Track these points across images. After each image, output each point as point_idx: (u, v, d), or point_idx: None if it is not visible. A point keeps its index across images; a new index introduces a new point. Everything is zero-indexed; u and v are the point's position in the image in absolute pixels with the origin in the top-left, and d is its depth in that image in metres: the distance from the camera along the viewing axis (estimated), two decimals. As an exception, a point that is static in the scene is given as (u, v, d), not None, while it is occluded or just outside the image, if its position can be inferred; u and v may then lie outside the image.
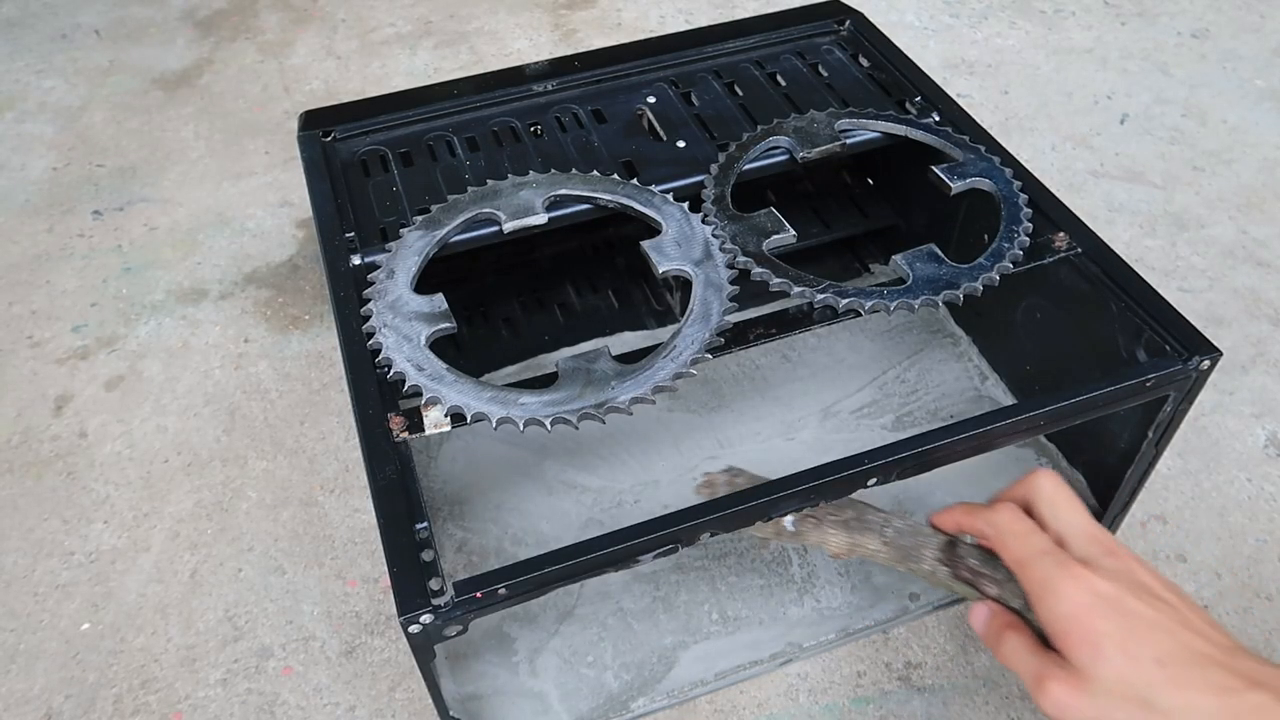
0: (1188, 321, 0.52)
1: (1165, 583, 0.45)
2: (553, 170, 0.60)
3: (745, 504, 0.46)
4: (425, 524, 0.44)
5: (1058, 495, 0.48)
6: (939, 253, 0.54)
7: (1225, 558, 0.63)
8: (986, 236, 0.56)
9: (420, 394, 0.47)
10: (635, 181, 0.59)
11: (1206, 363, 0.50)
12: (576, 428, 0.62)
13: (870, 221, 0.77)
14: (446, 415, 0.47)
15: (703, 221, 0.56)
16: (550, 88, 0.69)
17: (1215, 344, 0.51)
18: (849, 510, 0.52)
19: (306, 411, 0.74)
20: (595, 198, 0.58)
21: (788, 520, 0.51)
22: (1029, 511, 0.49)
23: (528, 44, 1.13)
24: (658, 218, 0.56)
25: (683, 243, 0.55)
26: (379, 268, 0.54)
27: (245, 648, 0.60)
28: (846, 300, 0.51)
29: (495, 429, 0.47)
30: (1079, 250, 0.56)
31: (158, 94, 1.07)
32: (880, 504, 0.56)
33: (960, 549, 0.51)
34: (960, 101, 0.66)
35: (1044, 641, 0.46)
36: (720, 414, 0.70)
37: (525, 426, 0.47)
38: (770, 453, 0.64)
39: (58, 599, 0.63)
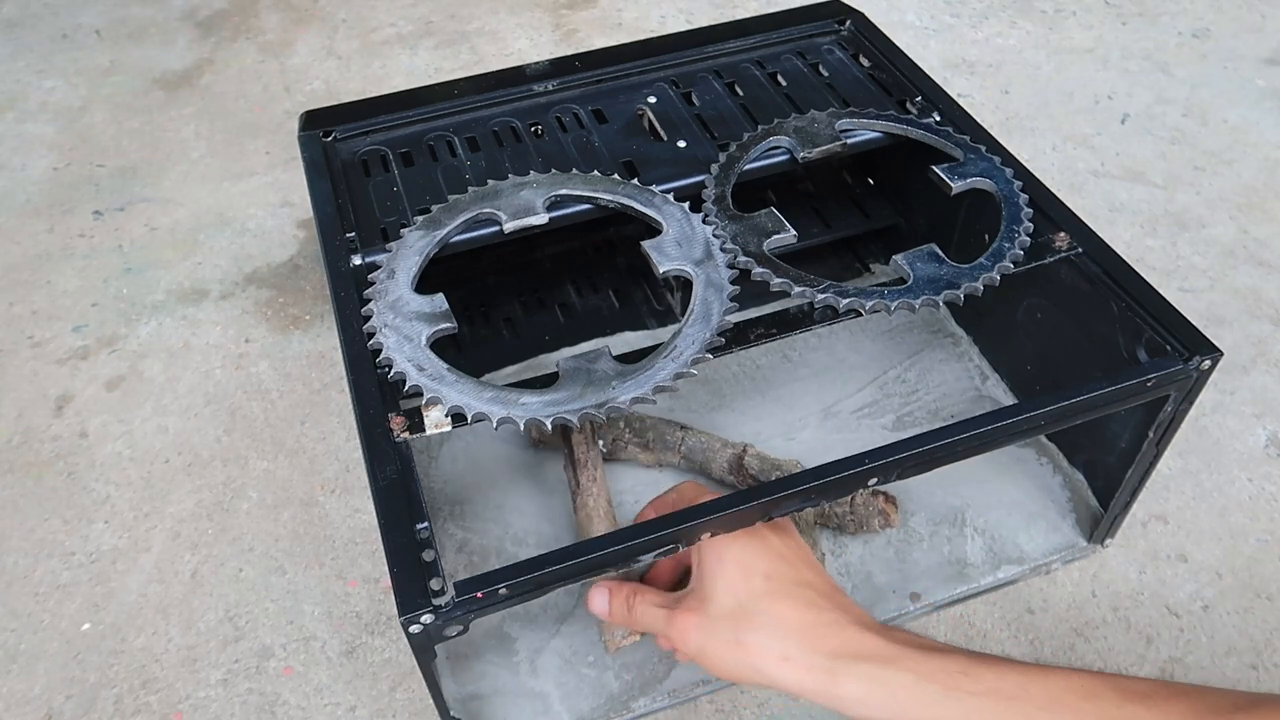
0: (1188, 321, 0.52)
1: (801, 544, 0.50)
2: (553, 170, 0.60)
3: (745, 504, 0.46)
4: (426, 524, 0.44)
5: (695, 489, 0.54)
6: (940, 252, 0.54)
7: (1226, 557, 0.63)
8: (987, 236, 0.56)
9: (421, 394, 0.47)
10: (636, 181, 0.59)
11: (1207, 363, 0.50)
12: (577, 428, 0.62)
13: (871, 221, 0.77)
14: (447, 415, 0.47)
15: (703, 221, 0.56)
16: (551, 88, 0.69)
17: (1216, 344, 0.51)
18: (650, 432, 0.64)
19: (307, 411, 0.74)
20: (596, 198, 0.58)
21: (600, 444, 0.63)
22: None
23: (528, 44, 1.13)
24: (658, 218, 0.56)
25: (683, 243, 0.55)
26: (380, 268, 0.54)
27: (246, 648, 0.60)
28: (847, 300, 0.51)
29: (496, 429, 0.47)
30: (1080, 250, 0.56)
31: (158, 94, 1.07)
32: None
33: (745, 459, 0.61)
34: (961, 101, 0.66)
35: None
36: (721, 414, 0.70)
37: (526, 426, 0.47)
38: (771, 452, 0.64)
39: (58, 599, 0.63)
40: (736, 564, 0.48)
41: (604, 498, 0.61)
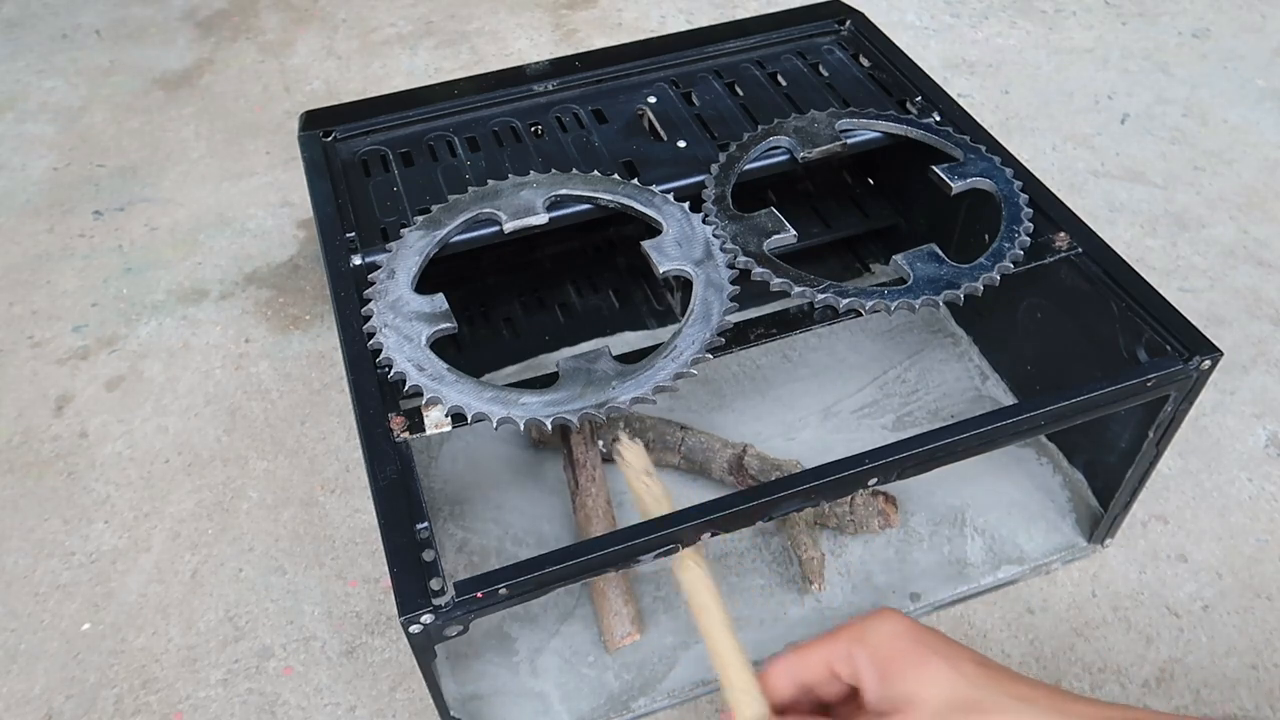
0: (1188, 321, 0.52)
1: None
2: (553, 170, 0.60)
3: (746, 504, 0.46)
4: (426, 524, 0.44)
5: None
6: (940, 252, 0.54)
7: (1226, 558, 0.63)
8: (987, 236, 0.56)
9: (421, 394, 0.47)
10: (636, 181, 0.59)
11: (1207, 362, 0.50)
12: (577, 428, 0.62)
13: (871, 221, 0.77)
14: (447, 415, 0.47)
15: (703, 221, 0.56)
16: (551, 88, 0.69)
17: (1216, 344, 0.51)
18: (649, 432, 0.64)
19: (307, 411, 0.74)
20: (596, 198, 0.58)
21: (600, 444, 0.63)
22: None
23: (528, 44, 1.13)
24: (658, 218, 0.56)
25: (683, 243, 0.55)
26: (380, 268, 0.54)
27: (246, 648, 0.60)
28: (847, 300, 0.51)
29: (496, 429, 0.47)
30: (1080, 250, 0.56)
31: (158, 94, 1.07)
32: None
33: (745, 460, 0.61)
34: (961, 101, 0.66)
35: None
36: (721, 414, 0.70)
37: (526, 426, 0.47)
38: (771, 453, 0.64)
39: (58, 599, 0.63)
40: (937, 654, 0.41)
41: (604, 498, 0.61)
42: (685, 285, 0.55)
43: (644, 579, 0.61)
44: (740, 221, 0.56)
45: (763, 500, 0.46)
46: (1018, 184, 0.58)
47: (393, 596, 0.42)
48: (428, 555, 0.43)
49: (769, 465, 0.62)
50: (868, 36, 0.72)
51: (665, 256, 0.54)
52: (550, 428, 0.46)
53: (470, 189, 0.59)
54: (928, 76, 0.68)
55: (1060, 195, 0.59)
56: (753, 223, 0.56)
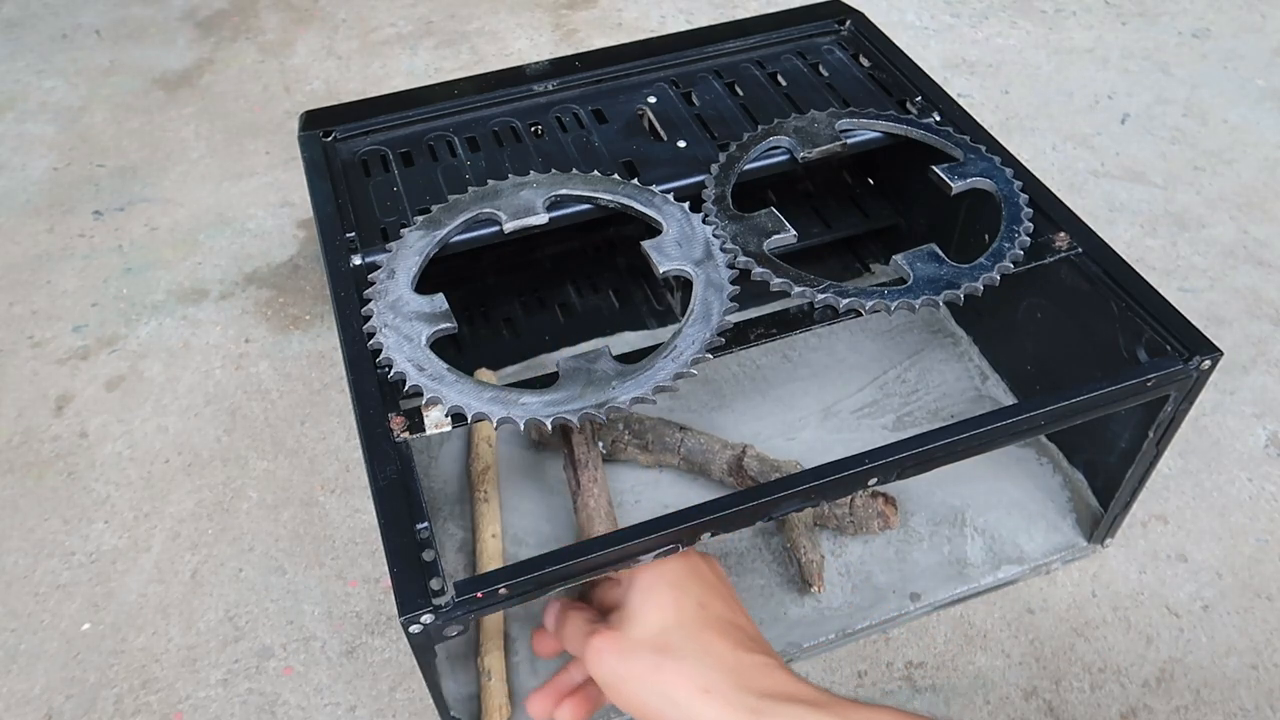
0: (1188, 321, 0.52)
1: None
2: (553, 170, 0.60)
3: (745, 504, 0.46)
4: (426, 524, 0.44)
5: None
6: (940, 252, 0.54)
7: (1226, 557, 0.63)
8: (987, 236, 0.56)
9: (421, 394, 0.47)
10: (636, 181, 0.59)
11: (1207, 362, 0.50)
12: (577, 428, 0.62)
13: (871, 221, 0.77)
14: (447, 415, 0.47)
15: (703, 221, 0.56)
16: (551, 88, 0.69)
17: (1216, 344, 0.51)
18: (649, 433, 0.64)
19: (307, 411, 0.74)
20: (596, 198, 0.58)
21: (600, 444, 0.64)
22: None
23: (528, 44, 1.13)
24: (658, 218, 0.56)
25: (683, 243, 0.55)
26: (380, 268, 0.54)
27: (246, 648, 0.60)
28: (847, 300, 0.51)
29: (496, 429, 0.47)
30: (1080, 250, 0.56)
31: (158, 94, 1.07)
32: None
33: (745, 460, 0.62)
34: (961, 101, 0.66)
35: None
36: (721, 414, 0.70)
37: (526, 426, 0.47)
38: (771, 453, 0.64)
39: (58, 599, 0.63)
40: (671, 587, 0.46)
41: (604, 498, 0.61)
42: (685, 285, 0.55)
43: (644, 579, 0.61)
44: (740, 221, 0.56)
45: (763, 500, 0.46)
46: (1018, 184, 0.58)
47: (393, 596, 0.42)
48: (428, 555, 0.43)
49: (768, 466, 0.62)
50: (868, 36, 0.72)
51: (665, 256, 0.54)
52: (550, 428, 0.46)
53: (470, 189, 0.59)
54: (928, 76, 0.68)
55: (1060, 195, 0.59)
56: (753, 223, 0.56)
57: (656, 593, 0.46)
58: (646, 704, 0.44)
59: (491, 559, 0.60)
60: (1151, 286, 0.54)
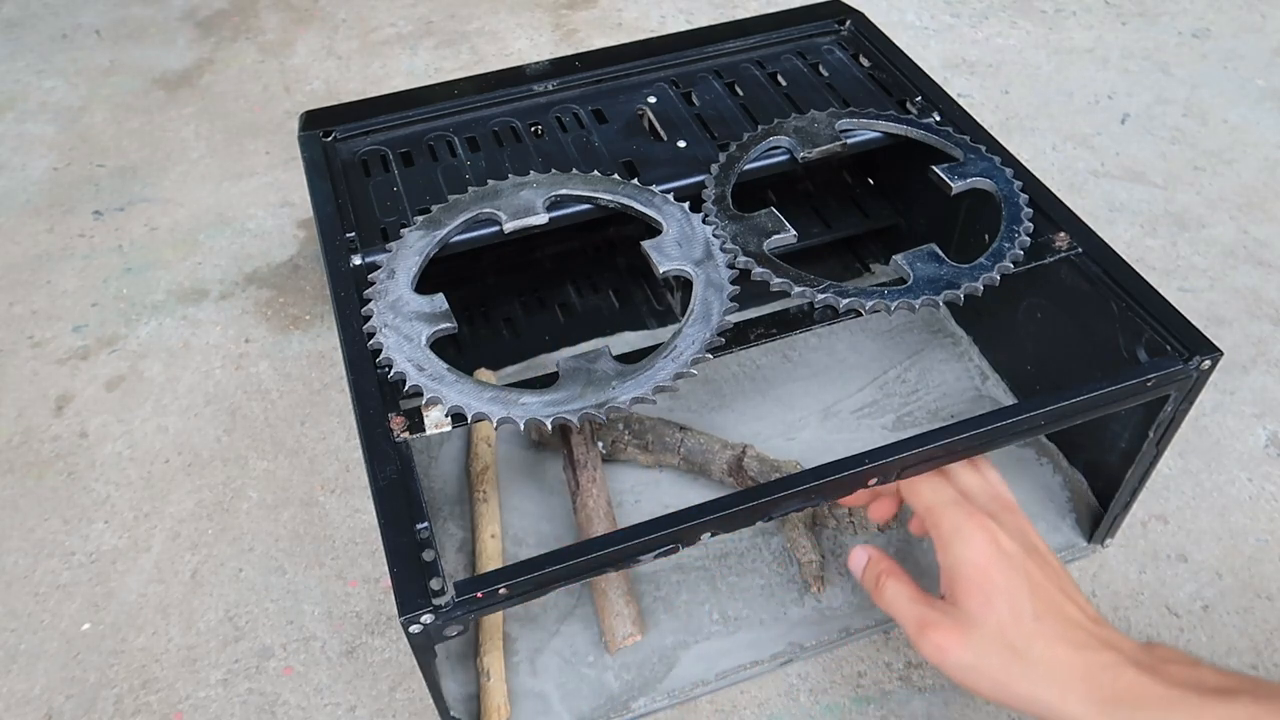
0: (1188, 321, 0.52)
1: (1048, 549, 0.50)
2: (553, 170, 0.60)
3: (745, 504, 0.46)
4: (426, 524, 0.44)
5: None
6: (940, 252, 0.54)
7: (1226, 557, 0.63)
8: (987, 236, 0.56)
9: (421, 394, 0.47)
10: (636, 181, 0.59)
11: (1207, 362, 0.50)
12: (577, 428, 0.62)
13: (871, 221, 0.77)
14: (447, 415, 0.47)
15: (703, 221, 0.56)
16: (551, 88, 0.69)
17: (1216, 344, 0.51)
18: (649, 433, 0.64)
19: (307, 411, 0.74)
20: (596, 198, 0.58)
21: (600, 445, 0.64)
22: None
23: (528, 44, 1.13)
24: (658, 218, 0.56)
25: (683, 243, 0.55)
26: (380, 268, 0.54)
27: (246, 648, 0.60)
28: (847, 300, 0.51)
29: (496, 429, 0.47)
30: (1080, 250, 0.56)
31: (158, 94, 1.07)
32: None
33: (745, 461, 0.61)
34: (961, 101, 0.66)
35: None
36: (721, 414, 0.70)
37: (526, 426, 0.47)
38: (771, 453, 0.64)
39: (58, 599, 0.63)
40: (1005, 600, 0.46)
41: (604, 498, 0.61)
42: (685, 285, 0.55)
43: (644, 579, 0.61)
44: (740, 221, 0.56)
45: (763, 500, 0.46)
46: (1018, 184, 0.58)
47: (393, 596, 0.42)
48: (428, 555, 0.43)
49: (768, 466, 0.62)
50: (868, 36, 0.72)
51: (665, 256, 0.54)
52: (550, 428, 0.46)
53: (470, 189, 0.59)
54: (928, 76, 0.68)
55: (1060, 195, 0.59)
56: (753, 223, 0.56)
57: (993, 605, 0.46)
58: (1007, 701, 0.46)
59: (491, 559, 0.60)
60: (1151, 286, 0.54)
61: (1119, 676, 0.44)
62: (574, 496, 0.62)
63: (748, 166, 0.61)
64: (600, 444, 0.65)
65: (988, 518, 0.49)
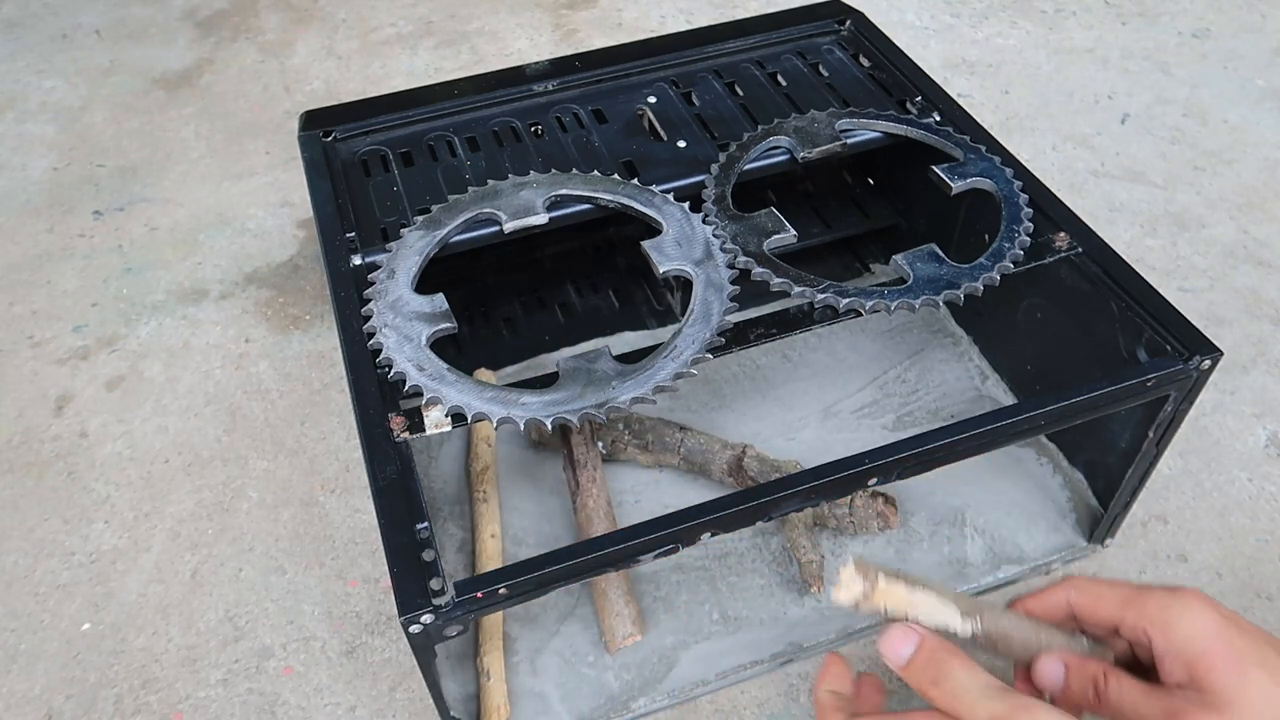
0: (1188, 321, 0.52)
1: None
2: (553, 170, 0.60)
3: (745, 504, 0.46)
4: (426, 524, 0.44)
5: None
6: (940, 252, 0.54)
7: (1226, 558, 0.63)
8: (987, 236, 0.56)
9: (421, 394, 0.47)
10: (636, 181, 0.59)
11: (1207, 362, 0.50)
12: (577, 428, 0.62)
13: (871, 221, 0.77)
14: (447, 415, 0.47)
15: (703, 221, 0.56)
16: (551, 88, 0.69)
17: (1216, 344, 0.51)
18: (649, 433, 0.64)
19: (307, 411, 0.74)
20: (596, 198, 0.58)
21: (600, 445, 0.63)
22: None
23: (528, 44, 1.13)
24: (658, 218, 0.56)
25: (683, 243, 0.55)
26: (380, 268, 0.54)
27: (246, 648, 0.60)
28: (847, 300, 0.51)
29: (496, 429, 0.47)
30: (1080, 250, 0.56)
31: (158, 94, 1.07)
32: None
33: (745, 461, 0.61)
34: (961, 101, 0.66)
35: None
36: (721, 414, 0.70)
37: (526, 426, 0.47)
38: (771, 453, 0.64)
39: (58, 599, 0.63)
40: (1257, 665, 0.41)
41: (604, 498, 0.61)
42: (685, 285, 0.55)
43: (644, 579, 0.61)
44: (740, 221, 0.56)
45: (763, 500, 0.46)
46: (1018, 184, 0.58)
47: (393, 596, 0.42)
48: (428, 555, 0.43)
49: (768, 466, 0.62)
50: (868, 36, 0.72)
51: (665, 256, 0.54)
52: (550, 428, 0.46)
53: (470, 189, 0.59)
54: (928, 76, 0.68)
55: (1060, 195, 0.59)
56: (753, 223, 0.56)
57: (1250, 675, 0.40)
58: None
59: (491, 559, 0.60)
60: (1151, 286, 0.54)
61: None
62: (574, 496, 0.62)
63: (748, 166, 0.61)
64: (600, 444, 0.65)
65: (1191, 591, 0.44)
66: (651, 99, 0.67)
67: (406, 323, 0.51)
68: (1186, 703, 0.41)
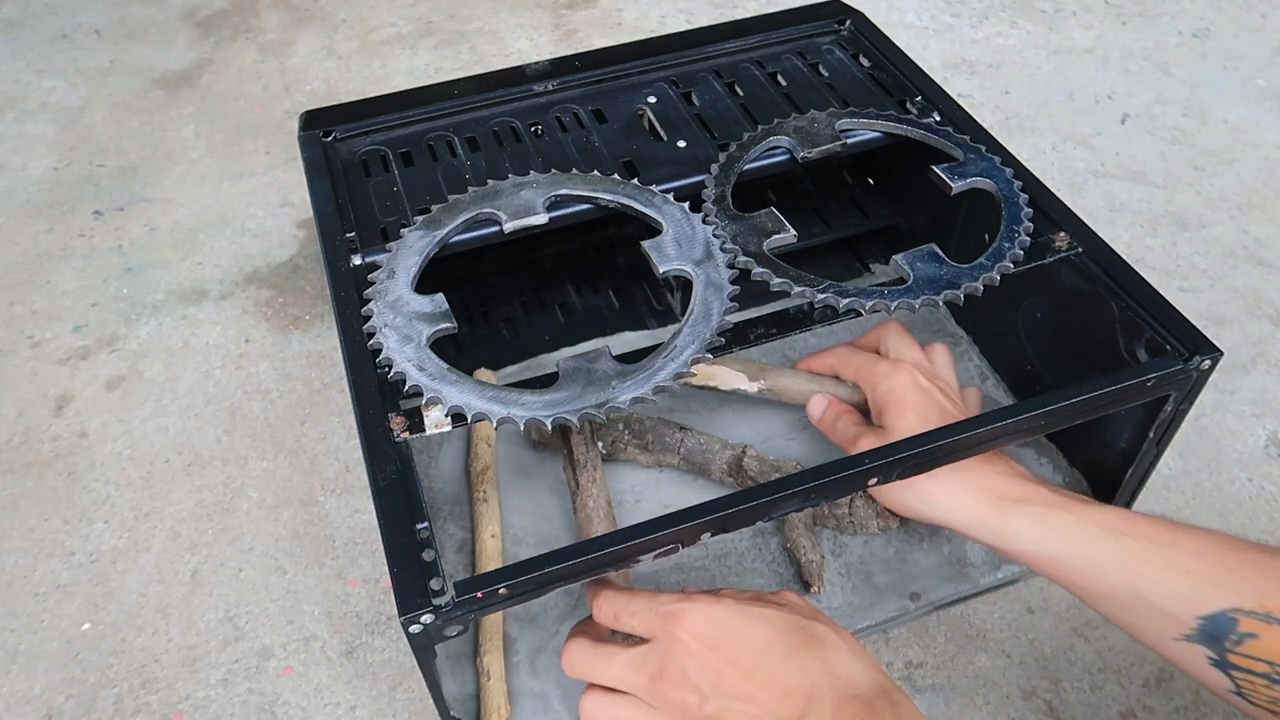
0: (1188, 321, 0.52)
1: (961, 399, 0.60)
2: (553, 170, 0.60)
3: (745, 504, 0.46)
4: (426, 524, 0.44)
5: (900, 334, 0.63)
6: (939, 252, 0.54)
7: (1226, 558, 0.63)
8: (987, 236, 0.56)
9: (421, 394, 0.47)
10: (636, 181, 0.59)
11: (1207, 362, 0.50)
12: (577, 428, 0.62)
13: (871, 221, 0.77)
14: (447, 415, 0.47)
15: (703, 221, 0.56)
16: (551, 88, 0.69)
17: (1216, 344, 0.51)
18: (649, 433, 0.65)
19: (307, 411, 0.74)
20: (596, 198, 0.58)
21: (599, 445, 0.65)
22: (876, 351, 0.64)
23: (528, 44, 1.13)
24: (658, 218, 0.56)
25: (683, 243, 0.55)
26: (380, 267, 0.54)
27: (246, 648, 0.60)
28: (847, 300, 0.51)
29: (496, 429, 0.47)
30: (1080, 250, 0.56)
31: (158, 94, 1.07)
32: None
33: (745, 460, 0.63)
34: (961, 101, 0.66)
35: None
36: (721, 414, 0.70)
37: (526, 426, 0.47)
38: (771, 453, 0.64)
39: (58, 599, 0.63)
40: (915, 414, 0.56)
41: (604, 498, 0.61)
42: (685, 285, 0.55)
43: (644, 579, 0.61)
44: (740, 221, 0.56)
45: (762, 500, 0.46)
46: (1018, 184, 0.58)
47: (393, 596, 0.42)
48: (428, 555, 0.43)
49: (768, 466, 0.62)
50: (868, 36, 0.72)
51: (665, 256, 0.54)
52: (550, 428, 0.46)
53: (470, 189, 0.59)
54: (928, 76, 0.68)
55: (1060, 195, 0.59)
56: (753, 223, 0.56)
57: (905, 417, 0.56)
58: (905, 502, 0.55)
59: (491, 559, 0.60)
60: (1151, 286, 0.54)
61: (1010, 480, 0.52)
62: (573, 496, 0.62)
63: (748, 166, 0.61)
64: (600, 444, 0.65)
65: (913, 367, 0.59)
66: (651, 99, 0.67)
67: (406, 323, 0.51)
68: (867, 429, 0.59)
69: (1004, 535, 0.51)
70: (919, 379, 0.58)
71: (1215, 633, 0.45)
